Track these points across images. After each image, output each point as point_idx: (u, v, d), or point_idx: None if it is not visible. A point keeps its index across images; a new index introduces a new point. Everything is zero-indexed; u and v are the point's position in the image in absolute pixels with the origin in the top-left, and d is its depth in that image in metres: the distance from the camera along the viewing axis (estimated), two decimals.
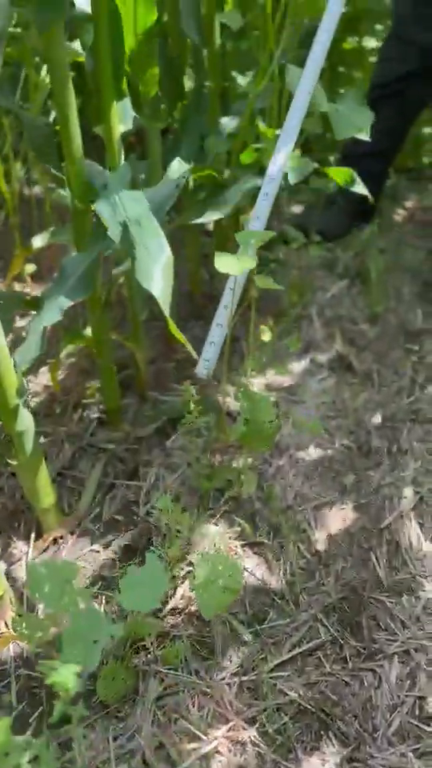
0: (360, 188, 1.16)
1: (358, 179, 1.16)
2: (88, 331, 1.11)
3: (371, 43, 2.07)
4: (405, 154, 2.17)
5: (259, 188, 1.08)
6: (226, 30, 1.36)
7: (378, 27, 2.09)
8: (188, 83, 1.39)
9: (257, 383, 1.29)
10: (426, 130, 2.21)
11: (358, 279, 1.65)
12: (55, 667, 0.58)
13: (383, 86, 1.69)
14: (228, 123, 1.37)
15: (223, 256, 0.88)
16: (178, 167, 0.87)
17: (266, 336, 1.20)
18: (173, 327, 0.66)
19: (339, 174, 1.15)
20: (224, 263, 0.87)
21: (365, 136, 1.10)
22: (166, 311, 0.63)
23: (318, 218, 1.74)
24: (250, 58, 1.43)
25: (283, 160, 1.08)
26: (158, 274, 0.64)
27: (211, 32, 1.29)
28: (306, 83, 1.10)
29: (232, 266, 0.87)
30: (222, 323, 1.07)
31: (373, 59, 2.07)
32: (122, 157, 0.99)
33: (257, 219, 1.06)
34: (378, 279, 1.54)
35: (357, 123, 1.10)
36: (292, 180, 1.11)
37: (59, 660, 0.66)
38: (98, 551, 0.99)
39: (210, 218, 1.06)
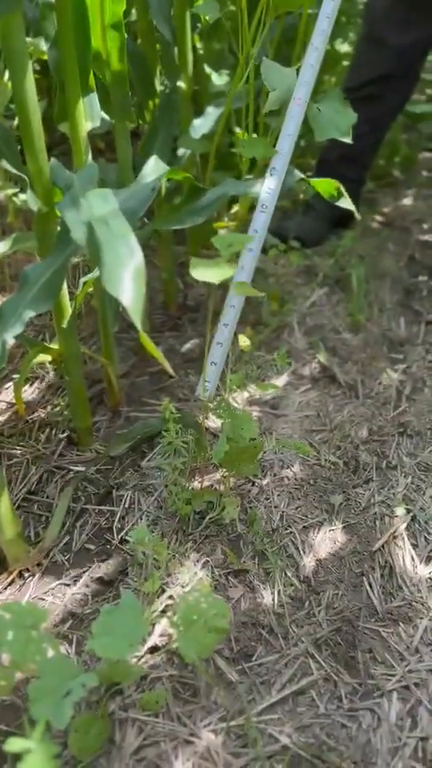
0: (346, 203, 1.10)
1: (345, 193, 1.10)
2: (55, 344, 1.03)
3: (344, 47, 2.03)
4: (381, 161, 2.13)
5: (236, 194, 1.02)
6: (198, 29, 1.30)
7: (351, 35, 2.05)
8: (160, 85, 1.33)
9: (237, 397, 1.22)
10: (402, 137, 2.18)
11: (338, 286, 1.59)
12: (29, 749, 0.49)
13: (356, 89, 1.65)
14: (201, 124, 1.31)
15: (199, 263, 0.80)
16: (154, 167, 0.80)
17: (246, 346, 1.13)
18: (145, 339, 0.59)
19: (324, 186, 1.10)
20: (201, 271, 0.78)
21: (347, 138, 1.05)
22: (137, 322, 0.56)
23: (296, 224, 1.69)
24: (222, 58, 1.37)
25: (277, 188, 1.03)
26: (127, 280, 0.57)
27: (183, 29, 1.23)
28: (301, 92, 1.04)
29: (210, 274, 0.78)
30: (223, 342, 1.01)
31: (346, 63, 2.03)
32: (89, 156, 0.92)
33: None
34: (359, 287, 1.49)
35: (338, 124, 1.04)
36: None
37: (30, 712, 0.58)
38: (68, 584, 0.91)
39: (186, 225, 0.99)
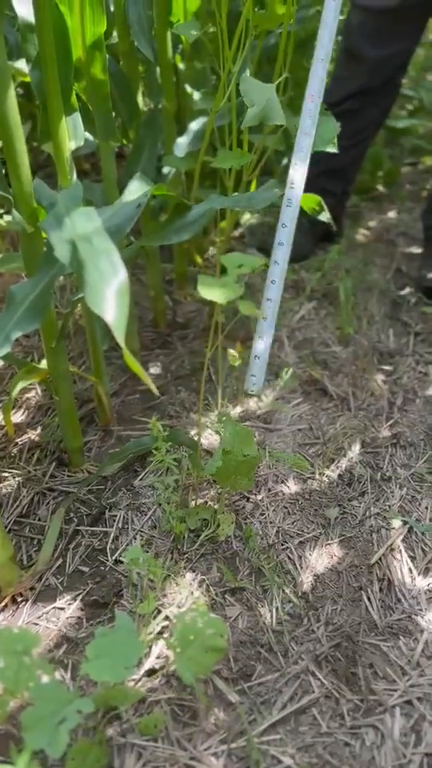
0: (325, 216, 1.12)
1: (325, 207, 1.12)
2: (44, 364, 1.02)
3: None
4: (365, 175, 2.15)
5: (219, 209, 1.03)
6: (180, 48, 1.31)
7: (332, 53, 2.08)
8: (144, 104, 1.34)
9: (230, 412, 1.22)
10: (385, 151, 2.20)
11: (326, 300, 1.60)
12: None
13: (337, 104, 1.66)
14: (185, 142, 1.32)
15: (207, 280, 0.79)
16: (138, 185, 0.80)
17: (236, 362, 1.13)
18: (129, 358, 0.58)
19: (306, 201, 1.10)
20: (208, 290, 0.77)
21: (333, 148, 1.06)
22: (121, 340, 0.55)
23: None
24: (204, 77, 1.39)
25: (301, 181, 1.05)
26: (110, 297, 0.56)
27: (164, 49, 1.24)
28: (314, 86, 1.06)
29: (216, 293, 0.77)
30: (263, 335, 1.03)
31: (327, 80, 2.05)
32: (74, 175, 0.92)
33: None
34: (346, 300, 1.49)
35: (323, 136, 1.05)
36: (261, 204, 1.06)
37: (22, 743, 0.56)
38: (62, 608, 0.89)
39: (172, 241, 0.99)
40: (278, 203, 1.37)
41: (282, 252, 1.09)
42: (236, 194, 1.12)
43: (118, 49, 1.24)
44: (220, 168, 1.40)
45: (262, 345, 1.04)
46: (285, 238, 1.10)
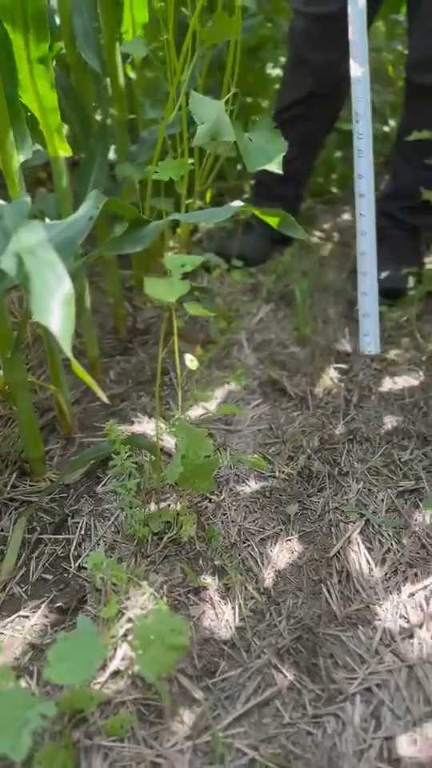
0: (299, 233, 1.13)
1: (294, 222, 1.12)
2: (1, 374, 1.03)
3: (276, 71, 2.10)
4: (319, 178, 2.20)
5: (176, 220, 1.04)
6: (130, 58, 1.33)
7: (281, 59, 2.12)
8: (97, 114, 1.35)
9: (191, 414, 1.23)
10: (337, 154, 2.25)
11: (282, 302, 1.63)
12: None
13: (284, 109, 1.70)
14: (137, 152, 1.33)
15: (153, 280, 0.82)
16: (94, 200, 0.81)
17: (193, 365, 1.14)
18: (76, 367, 0.60)
19: (274, 218, 1.10)
20: (154, 288, 0.80)
21: (277, 168, 1.07)
22: (67, 349, 0.57)
23: (238, 243, 1.72)
24: (156, 85, 1.41)
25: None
26: (56, 308, 0.58)
27: (113, 61, 1.26)
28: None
29: (163, 291, 0.80)
30: (367, 291, 1.01)
31: (277, 86, 2.09)
32: (23, 188, 0.93)
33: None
34: (303, 301, 1.52)
35: (269, 154, 1.07)
36: (220, 218, 1.06)
37: None
38: (26, 616, 0.90)
39: (126, 251, 1.00)
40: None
41: (365, 203, 1.10)
42: (189, 201, 1.14)
43: (68, 60, 1.25)
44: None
45: (367, 301, 1.01)
46: (365, 188, 1.12)
